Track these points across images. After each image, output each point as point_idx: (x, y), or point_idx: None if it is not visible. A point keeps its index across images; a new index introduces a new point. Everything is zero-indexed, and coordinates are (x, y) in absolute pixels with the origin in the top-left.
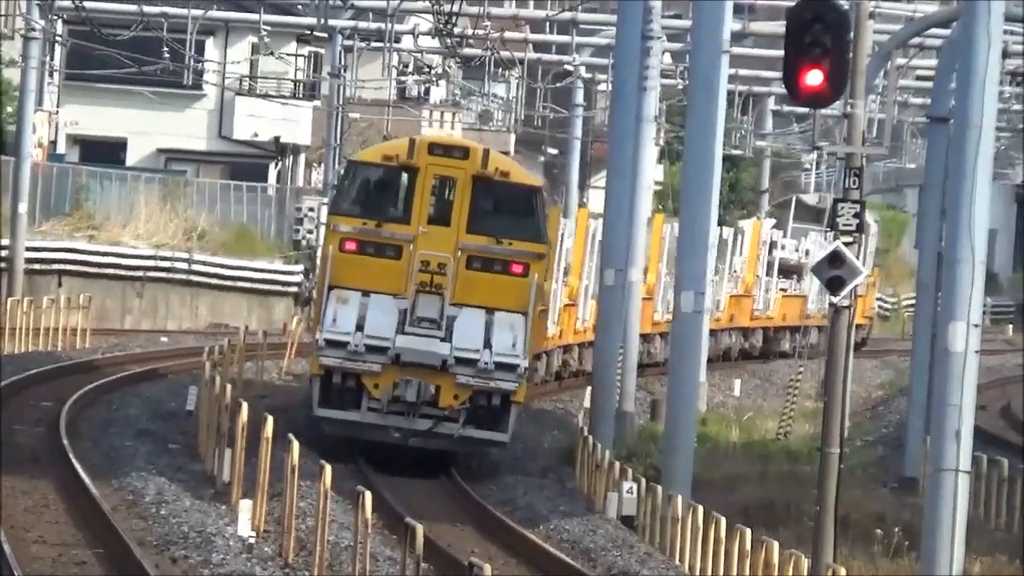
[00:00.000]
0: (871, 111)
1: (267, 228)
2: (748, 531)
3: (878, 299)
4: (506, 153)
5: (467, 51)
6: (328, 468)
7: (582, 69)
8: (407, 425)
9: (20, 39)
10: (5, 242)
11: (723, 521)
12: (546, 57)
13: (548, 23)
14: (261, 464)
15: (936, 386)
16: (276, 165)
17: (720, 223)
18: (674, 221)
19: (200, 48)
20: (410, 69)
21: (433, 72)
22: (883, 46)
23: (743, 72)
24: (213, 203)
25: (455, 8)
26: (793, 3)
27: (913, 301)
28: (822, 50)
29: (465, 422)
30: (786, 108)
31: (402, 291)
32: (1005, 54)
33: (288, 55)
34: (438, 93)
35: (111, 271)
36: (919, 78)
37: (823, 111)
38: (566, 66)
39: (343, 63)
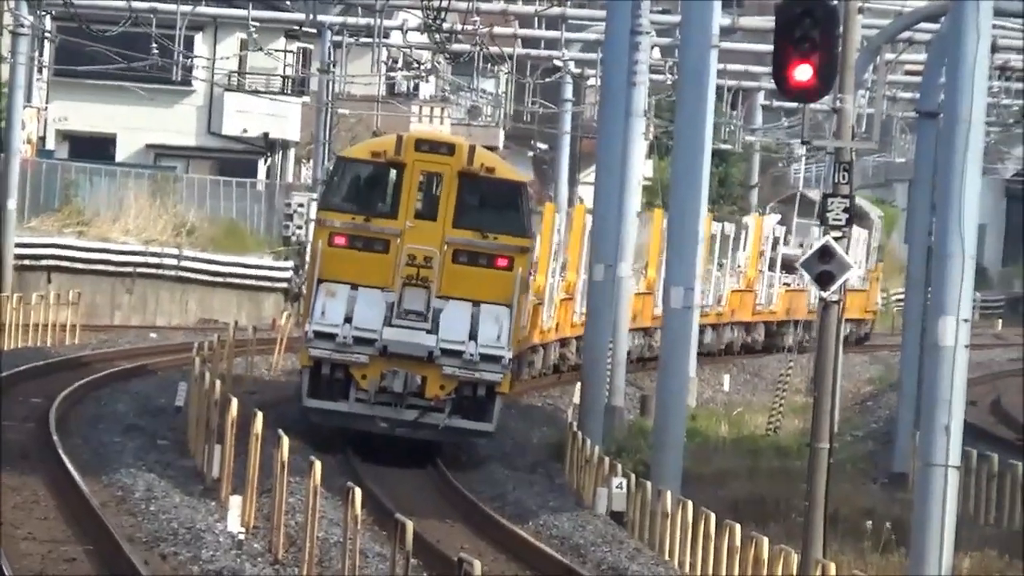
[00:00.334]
0: (860, 106)
1: (257, 224)
2: (738, 527)
3: None
4: (495, 148)
5: (456, 47)
6: (318, 464)
7: (571, 64)
8: (394, 415)
9: (8, 35)
10: None
11: (712, 517)
12: (535, 52)
13: (537, 18)
14: (251, 460)
15: (926, 381)
16: (265, 161)
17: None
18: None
19: (189, 44)
20: (399, 65)
21: (422, 68)
22: (872, 41)
23: (732, 67)
24: (203, 199)
25: (444, 3)
26: None
27: (903, 296)
28: (811, 45)
29: (451, 412)
30: (775, 103)
31: (389, 284)
32: (994, 48)
33: (277, 51)
34: (427, 89)
35: (100, 267)
36: (908, 73)
37: (812, 106)
38: (555, 61)
39: (332, 59)
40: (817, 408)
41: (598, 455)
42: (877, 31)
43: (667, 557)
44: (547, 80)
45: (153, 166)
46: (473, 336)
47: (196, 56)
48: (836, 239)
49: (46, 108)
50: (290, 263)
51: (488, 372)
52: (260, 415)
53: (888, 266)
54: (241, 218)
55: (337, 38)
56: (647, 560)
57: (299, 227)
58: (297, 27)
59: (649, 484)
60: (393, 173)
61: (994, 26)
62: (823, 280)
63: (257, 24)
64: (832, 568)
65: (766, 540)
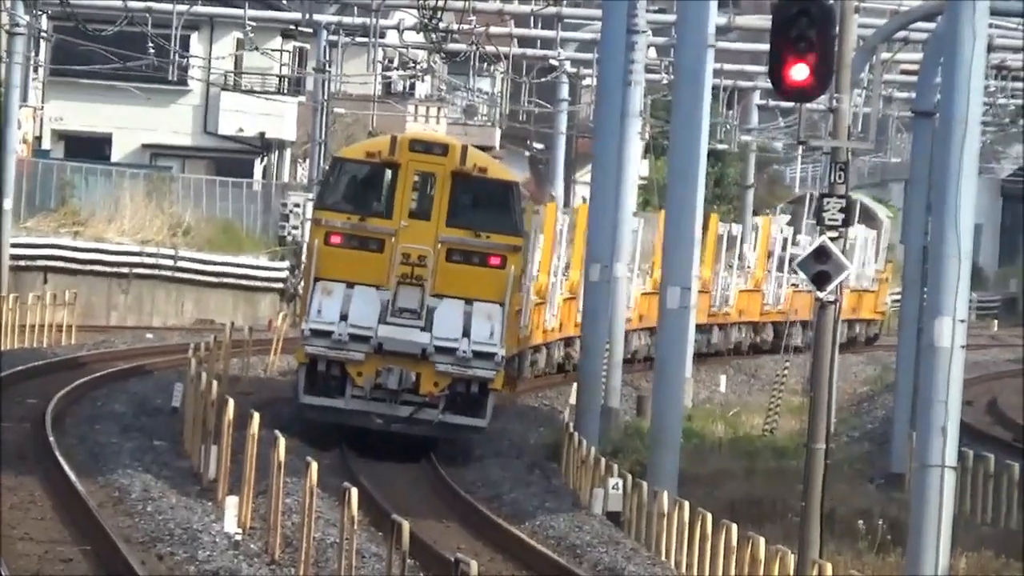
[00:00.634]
0: (856, 105)
1: (252, 224)
2: (734, 527)
3: None
4: (491, 148)
5: (452, 46)
6: (314, 465)
7: (567, 64)
8: (389, 411)
9: (4, 35)
10: None
11: (709, 517)
12: (531, 52)
13: (533, 18)
14: (247, 461)
15: (922, 382)
16: (261, 161)
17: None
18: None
19: (185, 43)
20: (395, 64)
21: (418, 67)
22: (868, 40)
23: (728, 66)
24: (198, 199)
25: (440, 3)
26: None
27: (899, 296)
28: (807, 44)
29: (445, 408)
30: (771, 102)
31: (384, 283)
32: (990, 48)
33: (273, 50)
34: (423, 88)
35: (96, 267)
36: (904, 72)
37: (808, 105)
38: (551, 61)
39: (328, 58)
40: (814, 408)
41: (594, 456)
42: (873, 30)
43: (663, 557)
44: (543, 80)
45: (149, 166)
46: (466, 333)
47: (192, 56)
48: (832, 239)
49: (42, 108)
50: (286, 263)
51: (481, 369)
52: (256, 416)
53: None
54: (237, 218)
55: (333, 37)
56: (643, 560)
57: (295, 227)
58: (293, 26)
59: (645, 484)
60: (388, 173)
61: (990, 25)
62: (820, 280)
63: (253, 23)
64: (829, 568)
65: (762, 540)
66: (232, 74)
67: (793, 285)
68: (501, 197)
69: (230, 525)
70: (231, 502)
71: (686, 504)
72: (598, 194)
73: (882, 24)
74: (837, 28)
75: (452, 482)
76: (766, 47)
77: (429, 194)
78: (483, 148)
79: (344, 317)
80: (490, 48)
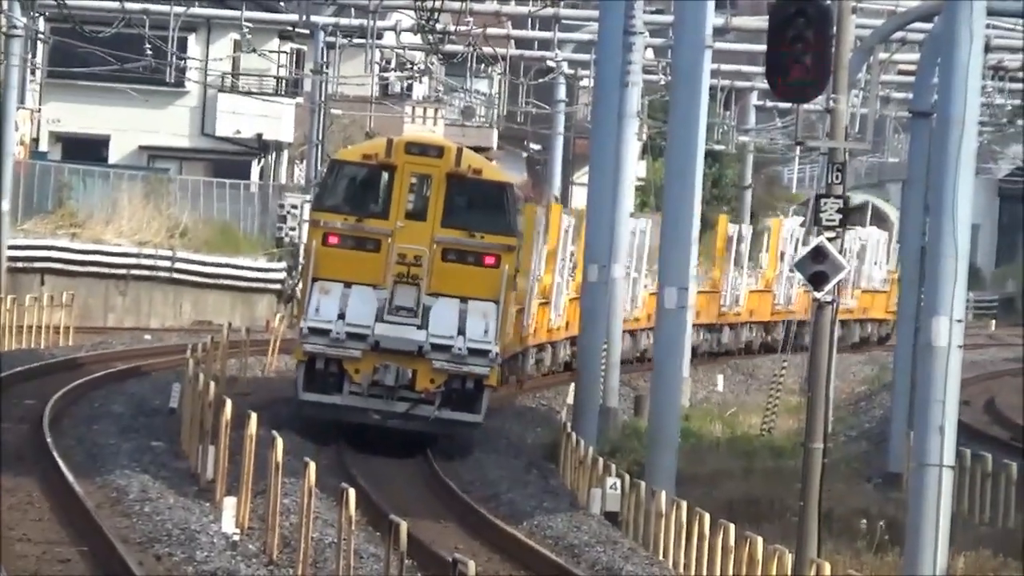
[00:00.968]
0: (854, 106)
1: (250, 225)
2: (732, 526)
3: None
4: (488, 149)
5: (449, 47)
6: (312, 465)
7: (564, 65)
8: (386, 408)
9: (2, 37)
10: None
11: (707, 517)
12: (528, 53)
13: (530, 19)
14: (245, 461)
15: (919, 381)
16: (259, 162)
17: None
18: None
19: (182, 45)
20: (392, 65)
21: (415, 68)
22: (865, 41)
23: (725, 67)
24: (196, 200)
25: (437, 4)
26: None
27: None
28: (805, 45)
29: (441, 404)
30: (769, 103)
31: (381, 282)
32: (988, 48)
33: (270, 52)
34: (420, 89)
35: (94, 269)
36: (901, 72)
37: (806, 106)
38: (548, 62)
39: (325, 60)
40: (811, 408)
41: (592, 455)
42: (870, 31)
43: (662, 557)
44: (540, 81)
45: (146, 168)
46: (462, 331)
47: (189, 57)
48: (830, 240)
49: (39, 110)
50: (283, 264)
51: (476, 366)
52: (254, 416)
53: None
54: (234, 219)
55: (330, 39)
56: (642, 560)
57: (292, 228)
58: (290, 28)
59: (643, 484)
60: (384, 175)
61: (988, 25)
62: (817, 281)
63: (250, 25)
64: (827, 568)
65: (760, 540)
66: (229, 76)
67: (804, 285)
68: (495, 198)
69: (228, 525)
70: (229, 502)
71: (684, 504)
72: (595, 195)
73: (879, 25)
74: (834, 28)
75: (450, 482)
76: (763, 48)
77: (425, 195)
78: (480, 149)
79: (342, 316)
80: (487, 49)
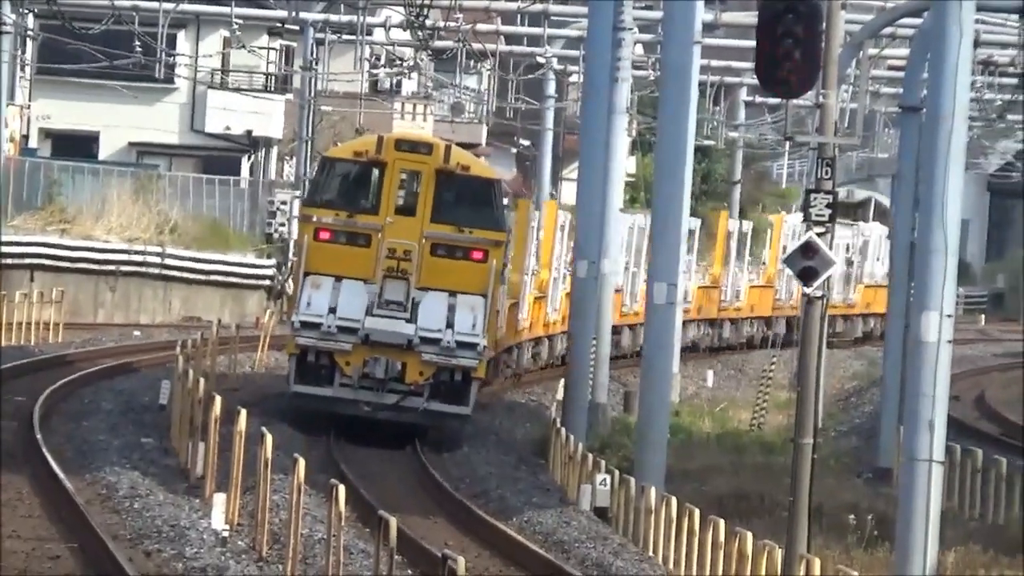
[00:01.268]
0: (843, 101)
1: (240, 222)
2: (722, 522)
3: None
4: (477, 145)
5: (439, 43)
6: (301, 461)
7: (554, 61)
8: (376, 399)
9: None
10: None
11: (696, 512)
12: (518, 49)
13: (520, 15)
14: (234, 457)
15: (909, 376)
16: (248, 158)
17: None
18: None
19: (172, 42)
20: (382, 62)
21: (405, 65)
22: (855, 36)
23: (715, 63)
24: (186, 197)
25: (426, 0)
26: None
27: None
28: (794, 40)
29: (429, 396)
30: (758, 98)
31: (371, 276)
32: (977, 44)
33: (260, 48)
34: (410, 86)
35: (84, 265)
36: (891, 68)
37: (795, 101)
38: (538, 58)
39: (315, 56)
40: (801, 403)
41: (582, 451)
42: (860, 26)
43: (651, 553)
44: (530, 77)
45: (136, 164)
46: (450, 325)
47: (179, 54)
48: (819, 235)
49: (29, 106)
50: (273, 261)
51: (464, 358)
52: (244, 412)
53: None
54: (224, 216)
55: (320, 35)
56: (631, 556)
57: (282, 224)
58: (280, 24)
59: (633, 480)
60: (375, 171)
61: (977, 21)
62: (806, 276)
63: (240, 22)
64: (817, 563)
65: (750, 535)
66: (219, 72)
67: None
68: (484, 194)
69: (217, 522)
70: (218, 499)
71: (673, 500)
72: (585, 191)
73: (869, 20)
74: (824, 24)
75: (439, 478)
76: (753, 43)
77: (414, 191)
78: (470, 145)
79: (333, 309)
80: (477, 45)
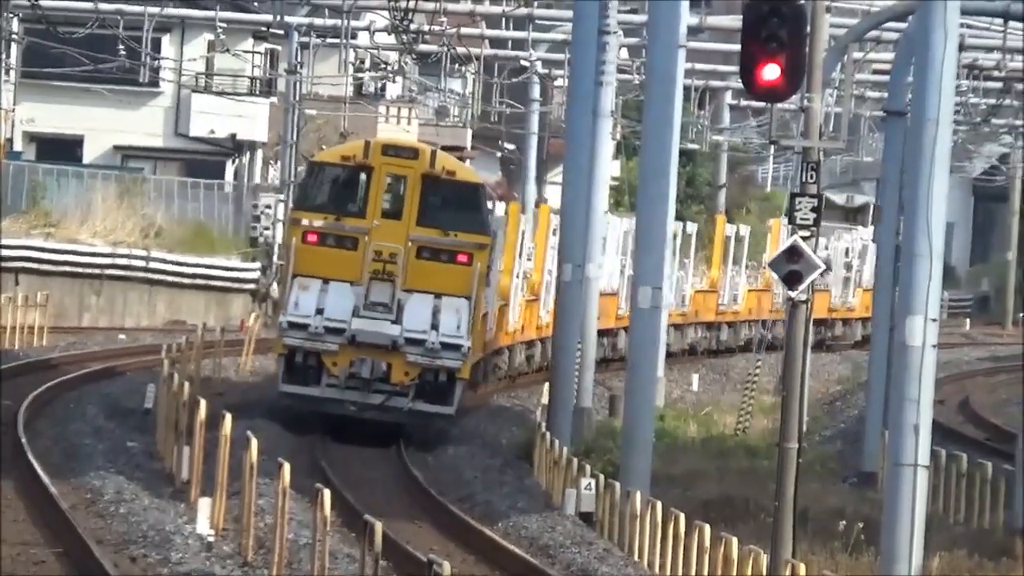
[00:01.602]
0: (828, 105)
1: (224, 225)
2: (707, 527)
3: None
4: (462, 149)
5: (423, 47)
6: (287, 466)
7: (538, 64)
8: (362, 399)
9: None
10: None
11: (682, 517)
12: (502, 53)
13: (504, 19)
14: (220, 462)
15: (894, 380)
16: (233, 162)
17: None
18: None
19: (156, 45)
20: (366, 65)
21: (389, 68)
22: (840, 40)
23: (700, 66)
24: (170, 200)
25: (411, 4)
26: None
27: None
28: (779, 44)
29: (414, 397)
30: (743, 102)
31: (358, 278)
32: (962, 47)
33: (244, 52)
34: (394, 89)
35: (68, 269)
36: (876, 72)
37: (780, 105)
38: (522, 62)
39: (299, 60)
40: (786, 408)
41: (567, 456)
42: (845, 30)
43: (636, 558)
44: (514, 80)
45: (121, 167)
46: (435, 326)
47: (163, 58)
48: (804, 239)
49: (13, 110)
50: (258, 264)
51: (449, 359)
52: (229, 417)
53: None
54: (209, 219)
55: (304, 39)
56: (616, 561)
57: (266, 228)
58: (264, 28)
59: (618, 485)
60: (362, 176)
61: (962, 25)
62: (791, 280)
63: (224, 25)
64: (802, 568)
65: (735, 540)
66: (203, 76)
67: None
68: (468, 198)
69: (203, 527)
70: (204, 503)
71: (659, 504)
72: (570, 194)
73: (854, 24)
74: (808, 28)
75: (425, 483)
76: (737, 47)
77: (400, 195)
78: (454, 149)
79: (320, 311)
80: (461, 49)
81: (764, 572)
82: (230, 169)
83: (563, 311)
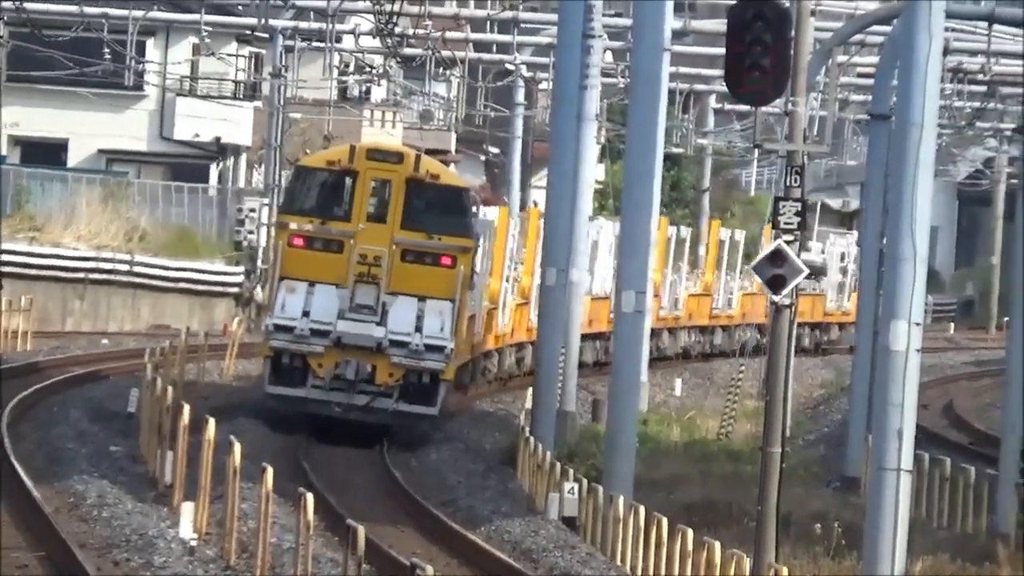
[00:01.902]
0: (812, 109)
1: (208, 229)
2: (690, 531)
3: None
4: (447, 152)
5: (408, 51)
6: (270, 470)
7: (523, 68)
8: (347, 400)
9: None
10: None
11: (665, 521)
12: (487, 56)
13: (489, 22)
14: (203, 466)
15: (878, 385)
16: (217, 166)
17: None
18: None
19: (141, 49)
20: (351, 69)
21: (374, 72)
22: (824, 43)
23: (684, 70)
24: (155, 204)
25: (396, 8)
26: (734, 1)
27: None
28: (763, 48)
29: (399, 398)
30: (727, 106)
31: (343, 281)
32: (947, 51)
33: (229, 55)
34: (379, 93)
35: (52, 273)
36: (860, 75)
37: (764, 109)
38: (507, 65)
39: (284, 63)
40: (769, 412)
41: (550, 460)
42: (829, 34)
43: (619, 562)
44: (499, 84)
45: (105, 171)
46: (419, 328)
47: (148, 61)
48: (788, 243)
49: None
50: (242, 268)
51: (432, 361)
52: (212, 421)
53: None
54: (193, 223)
55: (289, 43)
56: (599, 565)
57: (251, 232)
58: (249, 32)
59: (601, 489)
60: (347, 180)
61: (947, 28)
62: (775, 284)
63: (209, 29)
64: (785, 572)
65: (718, 544)
66: (188, 79)
67: (800, 289)
68: (452, 202)
69: (186, 531)
70: (187, 508)
71: (642, 508)
72: (554, 198)
73: (838, 27)
74: (793, 32)
75: (408, 487)
76: (722, 51)
77: (385, 199)
78: (439, 152)
79: (306, 313)
80: (446, 53)
81: None
82: (214, 173)
83: (546, 316)
